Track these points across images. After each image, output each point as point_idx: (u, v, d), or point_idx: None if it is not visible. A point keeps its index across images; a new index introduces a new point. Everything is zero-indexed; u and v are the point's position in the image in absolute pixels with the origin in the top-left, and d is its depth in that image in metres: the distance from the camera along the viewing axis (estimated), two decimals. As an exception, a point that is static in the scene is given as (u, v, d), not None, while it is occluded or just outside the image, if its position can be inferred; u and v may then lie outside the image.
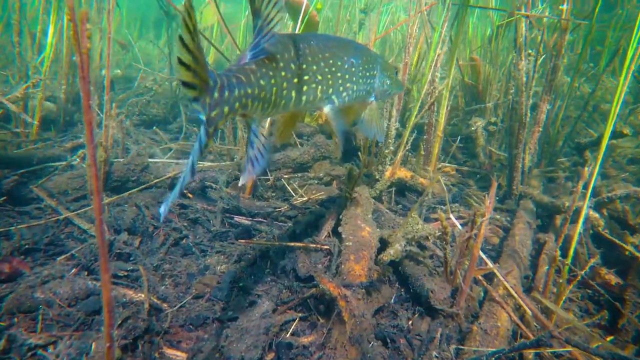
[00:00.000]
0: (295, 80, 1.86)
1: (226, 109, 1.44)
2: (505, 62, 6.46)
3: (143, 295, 2.59)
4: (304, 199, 3.88)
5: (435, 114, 4.13)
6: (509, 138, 4.14)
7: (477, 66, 5.89)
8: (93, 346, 2.13)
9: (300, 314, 2.52)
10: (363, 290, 2.40)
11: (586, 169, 2.38)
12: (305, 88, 1.94)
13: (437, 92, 3.91)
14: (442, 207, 3.92)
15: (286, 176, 4.27)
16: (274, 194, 4.14)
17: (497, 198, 4.31)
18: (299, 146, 4.81)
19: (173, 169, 4.05)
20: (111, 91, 6.38)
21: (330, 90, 2.12)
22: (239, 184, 1.48)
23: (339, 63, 2.14)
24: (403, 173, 3.97)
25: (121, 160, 3.95)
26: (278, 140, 2.29)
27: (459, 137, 5.76)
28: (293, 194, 4.07)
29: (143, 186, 3.84)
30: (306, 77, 1.93)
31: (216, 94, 1.37)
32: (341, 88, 2.19)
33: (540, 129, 4.07)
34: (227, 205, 3.73)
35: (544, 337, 1.95)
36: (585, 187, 2.64)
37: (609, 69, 7.01)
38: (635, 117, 5.38)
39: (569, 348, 2.02)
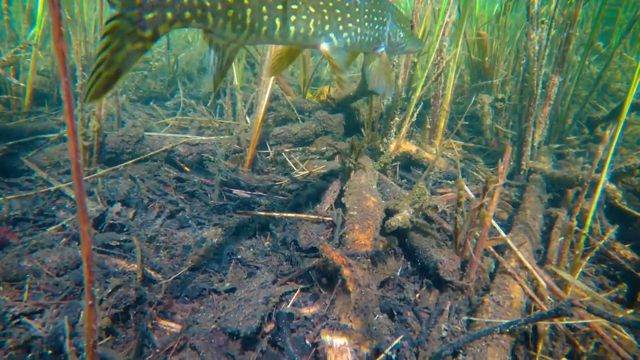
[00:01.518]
0: (279, 6, 1.79)
1: (169, 14, 1.43)
2: (512, 40, 6.27)
3: (136, 266, 2.46)
4: (305, 172, 3.73)
5: (441, 86, 3.97)
6: (518, 112, 3.98)
7: (484, 42, 5.71)
8: (81, 315, 2.01)
9: (301, 285, 2.39)
10: (368, 259, 2.26)
11: (607, 132, 2.23)
12: (293, 18, 1.86)
13: (444, 62, 3.74)
14: (449, 181, 3.78)
15: (287, 150, 4.12)
16: (274, 168, 3.99)
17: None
18: (301, 122, 4.66)
19: (169, 141, 3.90)
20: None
21: (327, 27, 2.01)
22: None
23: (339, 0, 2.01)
24: (408, 147, 3.82)
25: (116, 132, 3.80)
26: (268, 73, 2.16)
27: (464, 115, 5.60)
28: (294, 168, 3.92)
29: (138, 158, 3.69)
30: (294, 7, 1.84)
31: None
32: (341, 27, 2.07)
33: (551, 103, 3.90)
34: (226, 179, 3.59)
35: (564, 306, 1.82)
36: (603, 156, 2.49)
37: (619, 48, 6.84)
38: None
39: (591, 319, 1.89)
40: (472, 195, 2.48)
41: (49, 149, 3.62)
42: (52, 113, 4.67)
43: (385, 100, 3.73)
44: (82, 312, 2.02)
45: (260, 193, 3.54)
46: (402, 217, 2.20)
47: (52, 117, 4.46)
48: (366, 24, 2.24)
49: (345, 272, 2.14)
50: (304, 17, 1.92)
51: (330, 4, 2.02)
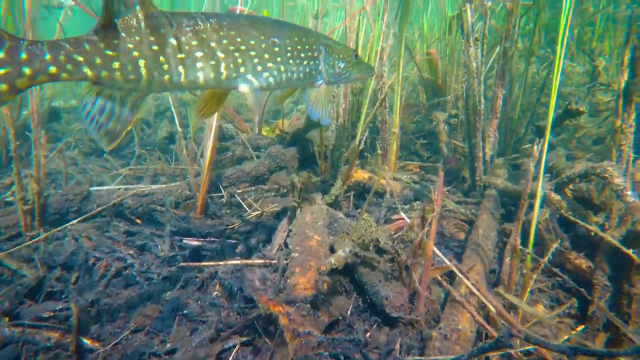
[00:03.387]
0: (181, 55, 1.82)
1: (28, 70, 1.54)
2: (460, 56, 6.37)
3: (70, 337, 2.33)
4: (258, 212, 3.65)
5: (387, 111, 3.96)
6: (466, 129, 3.99)
7: (434, 60, 5.78)
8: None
9: (244, 338, 2.28)
10: (308, 305, 2.18)
11: (535, 147, 2.21)
12: (200, 65, 1.89)
13: (386, 87, 3.74)
14: (405, 206, 3.73)
15: (240, 191, 4.04)
16: (228, 211, 3.90)
17: (462, 191, 4.14)
18: (256, 159, 4.60)
19: (117, 194, 3.79)
20: (57, 121, 6.12)
21: (242, 69, 2.03)
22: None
23: (252, 42, 2.04)
24: (360, 175, 3.77)
25: (59, 192, 3.69)
26: (198, 116, 2.15)
27: (423, 134, 5.62)
28: (248, 209, 3.84)
29: (84, 216, 3.58)
30: (199, 54, 1.87)
31: (1, 54, 1.49)
32: (259, 68, 2.09)
33: (498, 116, 3.91)
34: (176, 228, 3.49)
35: (503, 336, 1.75)
36: (544, 168, 2.48)
37: (565, 52, 6.99)
38: (594, 96, 5.31)
39: (530, 346, 1.82)
40: (415, 227, 2.42)
41: (-12, 216, 3.49)
42: (-2, 177, 4.55)
43: (329, 131, 3.71)
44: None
45: (212, 239, 3.45)
46: (335, 259, 2.13)
47: (-3, 181, 4.34)
48: (291, 61, 2.25)
49: (283, 321, 2.05)
50: (212, 62, 1.94)
51: (243, 47, 2.03)
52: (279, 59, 2.18)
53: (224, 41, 1.95)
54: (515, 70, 4.92)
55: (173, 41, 1.79)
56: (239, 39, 2.00)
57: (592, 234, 2.65)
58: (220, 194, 4.10)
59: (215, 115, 3.69)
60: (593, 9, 6.84)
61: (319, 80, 2.48)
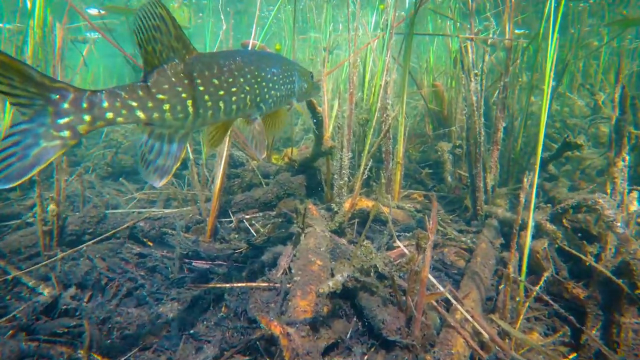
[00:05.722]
0: (222, 92, 2.05)
1: (88, 117, 1.65)
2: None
3: (82, 352, 2.46)
4: (264, 237, 3.78)
5: (392, 141, 4.12)
6: (467, 160, 4.12)
7: (440, 92, 5.96)
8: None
9: (246, 358, 2.39)
10: (307, 326, 2.28)
11: (525, 180, 2.33)
12: (234, 98, 2.13)
13: (390, 119, 3.90)
14: (407, 234, 3.83)
15: (247, 217, 4.19)
16: (236, 236, 4.04)
17: (465, 220, 4.23)
18: (265, 186, 4.76)
19: (131, 218, 3.96)
20: (77, 146, 6.39)
21: (259, 99, 2.32)
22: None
23: (263, 74, 2.33)
24: (364, 203, 3.90)
25: (77, 214, 3.87)
26: (209, 146, 2.38)
27: (429, 163, 5.75)
28: (255, 234, 3.97)
29: (99, 238, 3.74)
30: (234, 89, 2.12)
31: (66, 105, 1.60)
32: (267, 95, 2.39)
33: (499, 147, 4.04)
34: (186, 251, 3.63)
35: (490, 359, 1.84)
36: (548, 199, 2.58)
37: (565, 85, 7.14)
38: (597, 128, 5.41)
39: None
40: (411, 253, 2.52)
41: (9, 236, 3.67)
42: (20, 198, 4.77)
43: (334, 161, 3.87)
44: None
45: (220, 262, 3.58)
46: (333, 283, 2.24)
47: (19, 202, 4.55)
48: (282, 87, 2.59)
49: (283, 341, 2.14)
50: (242, 95, 2.20)
51: (259, 79, 2.33)
52: (276, 86, 2.51)
53: (248, 76, 2.23)
54: (516, 103, 5.06)
55: (215, 81, 2.02)
56: (256, 73, 2.29)
57: (587, 264, 2.72)
58: (229, 219, 4.25)
59: (226, 143, 3.89)
60: (597, 43, 7.01)
61: (293, 99, 2.85)
